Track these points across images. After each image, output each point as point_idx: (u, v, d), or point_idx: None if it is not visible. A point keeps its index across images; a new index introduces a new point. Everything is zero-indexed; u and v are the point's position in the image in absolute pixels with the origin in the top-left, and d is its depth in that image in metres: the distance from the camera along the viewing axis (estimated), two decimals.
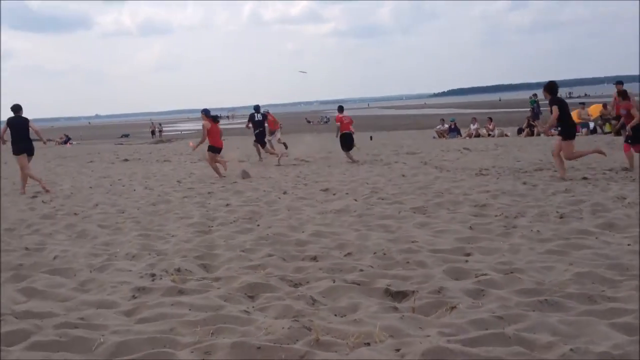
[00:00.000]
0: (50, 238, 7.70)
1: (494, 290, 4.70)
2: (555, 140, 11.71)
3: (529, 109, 30.76)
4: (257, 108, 19.46)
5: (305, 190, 11.45)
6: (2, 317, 4.34)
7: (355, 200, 9.68)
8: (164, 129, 63.49)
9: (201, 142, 15.15)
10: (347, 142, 17.34)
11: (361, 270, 5.47)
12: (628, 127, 11.90)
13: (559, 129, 11.49)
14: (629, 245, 5.89)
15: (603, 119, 25.16)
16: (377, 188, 11.10)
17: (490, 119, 29.66)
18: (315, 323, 3.98)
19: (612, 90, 16.66)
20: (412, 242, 6.47)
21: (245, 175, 14.13)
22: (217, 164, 14.75)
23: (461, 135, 29.35)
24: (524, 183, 10.69)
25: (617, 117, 14.87)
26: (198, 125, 15.08)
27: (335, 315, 4.36)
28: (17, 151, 12.99)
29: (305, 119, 70.99)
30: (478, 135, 28.20)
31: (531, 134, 26.12)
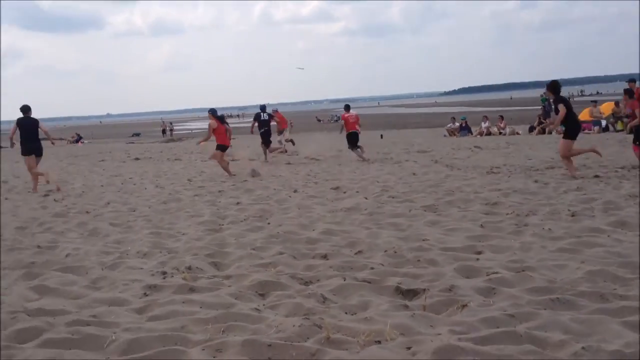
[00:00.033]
0: (62, 236, 7.74)
1: (505, 288, 4.68)
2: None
3: (540, 107, 30.63)
4: (263, 108, 19.54)
5: (316, 188, 11.45)
6: (14, 315, 4.37)
7: (366, 198, 9.68)
8: (174, 127, 63.68)
9: (204, 140, 15.94)
10: (352, 140, 17.66)
11: (372, 268, 5.47)
12: (628, 127, 11.85)
13: (564, 127, 11.47)
14: None
15: (615, 116, 25.00)
16: (388, 186, 11.08)
17: (502, 117, 29.50)
18: (325, 321, 3.98)
19: (624, 87, 16.54)
20: (423, 240, 6.46)
21: (255, 173, 14.16)
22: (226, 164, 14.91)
23: (472, 134, 29.22)
24: (536, 181, 10.64)
25: (629, 115, 14.80)
26: (207, 124, 15.23)
27: (346, 313, 4.35)
28: (25, 152, 13.10)
29: (316, 117, 71.05)
30: (489, 134, 28.08)
31: (543, 132, 25.98)
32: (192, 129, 71.02)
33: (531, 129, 27.70)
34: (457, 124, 30.52)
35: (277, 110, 22.64)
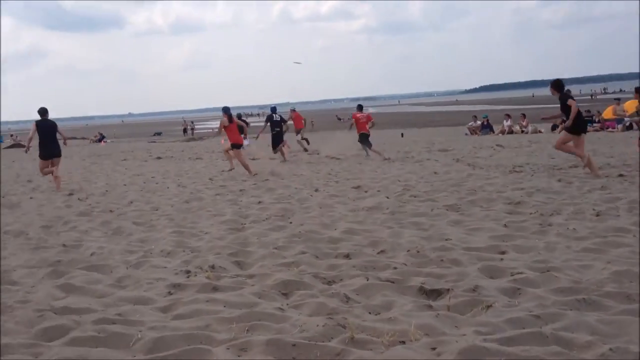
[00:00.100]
0: (86, 235, 7.83)
1: (530, 288, 4.64)
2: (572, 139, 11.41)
3: None
4: (274, 109, 19.66)
5: (337, 187, 11.45)
6: (42, 313, 4.43)
7: (387, 197, 9.65)
8: (195, 126, 64.00)
9: (216, 136, 17.23)
10: (363, 140, 18.19)
11: (395, 268, 5.45)
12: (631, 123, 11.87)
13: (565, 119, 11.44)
14: None
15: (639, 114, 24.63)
16: (409, 185, 11.05)
17: (524, 115, 29.24)
18: (349, 321, 3.98)
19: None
20: (446, 239, 6.43)
21: (276, 173, 14.20)
22: (231, 157, 15.50)
23: (494, 132, 29.02)
24: (559, 180, 10.54)
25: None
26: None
27: (370, 313, 4.34)
28: (45, 156, 13.10)
29: (336, 116, 70.92)
30: (511, 132, 27.86)
31: None
32: (212, 128, 71.30)
33: (554, 128, 27.42)
34: (479, 122, 30.32)
35: (294, 110, 22.68)
